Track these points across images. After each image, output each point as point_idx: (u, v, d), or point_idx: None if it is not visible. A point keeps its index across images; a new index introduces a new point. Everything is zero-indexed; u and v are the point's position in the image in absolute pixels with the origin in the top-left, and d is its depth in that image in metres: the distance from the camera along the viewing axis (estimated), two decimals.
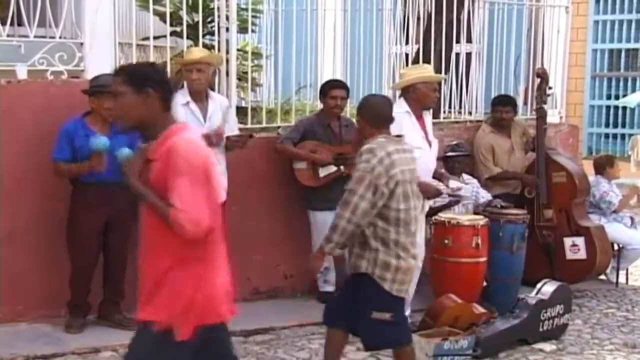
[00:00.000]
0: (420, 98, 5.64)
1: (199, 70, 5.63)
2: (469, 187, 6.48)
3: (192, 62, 5.61)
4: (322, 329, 5.82)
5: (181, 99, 5.63)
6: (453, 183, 5.91)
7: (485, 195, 6.76)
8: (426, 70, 5.90)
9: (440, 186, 5.82)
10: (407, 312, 5.81)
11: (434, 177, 5.82)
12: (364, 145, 4.28)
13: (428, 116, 5.88)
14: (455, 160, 6.73)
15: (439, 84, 6.80)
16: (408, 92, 5.72)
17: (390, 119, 4.46)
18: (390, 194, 4.20)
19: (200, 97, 5.64)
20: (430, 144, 5.72)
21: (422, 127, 5.68)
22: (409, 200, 4.27)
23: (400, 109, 5.63)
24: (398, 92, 6.08)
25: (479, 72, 8.13)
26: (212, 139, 5.46)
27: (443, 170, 6.12)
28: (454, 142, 6.96)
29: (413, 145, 5.54)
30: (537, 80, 7.32)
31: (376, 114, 4.42)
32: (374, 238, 4.23)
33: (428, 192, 5.64)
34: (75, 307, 5.53)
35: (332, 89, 6.30)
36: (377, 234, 4.23)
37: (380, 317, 4.28)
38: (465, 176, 6.74)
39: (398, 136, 4.53)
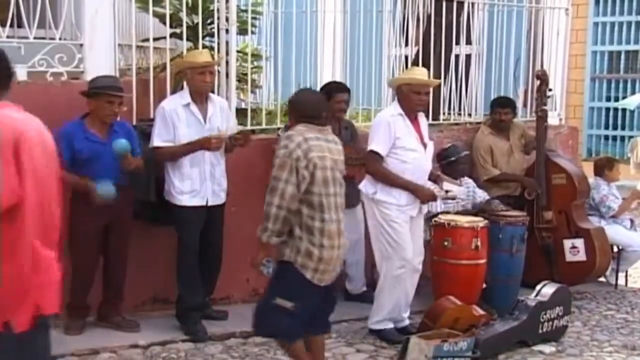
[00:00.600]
0: (405, 100, 5.62)
1: (211, 73, 5.66)
2: (463, 189, 6.47)
3: (207, 64, 5.62)
4: None
5: (181, 100, 5.63)
6: (447, 185, 5.91)
7: (482, 195, 6.78)
8: (414, 73, 5.85)
9: (435, 189, 5.82)
10: (406, 314, 5.83)
11: (429, 179, 5.81)
12: (283, 135, 4.40)
13: (423, 118, 5.85)
14: (463, 162, 6.76)
15: (438, 86, 6.79)
16: (397, 94, 5.73)
17: (318, 116, 4.48)
18: (311, 178, 4.26)
19: (201, 98, 5.64)
20: (425, 146, 5.69)
21: (417, 129, 5.66)
22: (328, 186, 4.32)
23: (394, 112, 5.63)
24: None
25: (479, 74, 8.13)
26: (212, 142, 5.46)
27: (439, 173, 6.12)
28: (449, 145, 6.96)
29: (407, 147, 5.57)
30: (537, 82, 7.33)
31: (303, 112, 4.47)
32: (298, 226, 4.28)
33: (423, 197, 5.63)
34: (74, 308, 5.53)
35: (337, 93, 6.29)
36: (302, 222, 4.28)
37: (282, 304, 4.29)
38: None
39: (323, 127, 4.52)
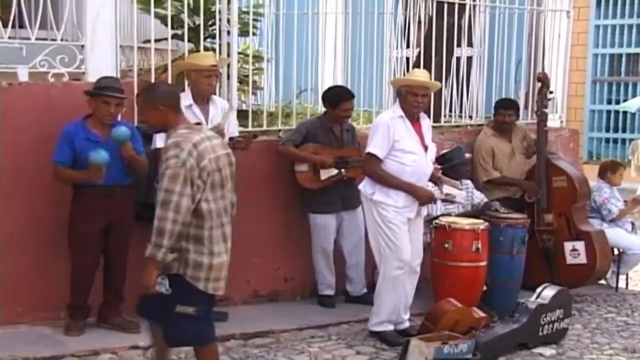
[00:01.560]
0: (404, 101, 5.62)
1: (215, 76, 5.71)
2: (463, 193, 6.47)
3: (214, 68, 5.64)
4: (321, 332, 5.86)
5: (183, 102, 5.60)
6: (447, 188, 5.89)
7: (479, 197, 6.78)
8: (413, 74, 5.84)
9: (435, 191, 5.80)
10: (406, 316, 5.83)
11: (430, 181, 5.80)
12: (169, 140, 4.12)
13: (426, 120, 5.85)
14: (465, 164, 6.77)
15: (439, 89, 6.78)
16: (397, 95, 5.73)
17: (179, 100, 4.33)
18: (204, 186, 4.10)
19: (203, 100, 5.65)
20: (426, 149, 5.67)
21: (418, 132, 5.65)
22: (215, 190, 4.18)
23: (394, 114, 5.63)
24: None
25: (480, 77, 8.13)
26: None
27: (440, 175, 6.11)
28: (454, 147, 6.96)
29: (406, 150, 5.56)
30: (538, 85, 7.33)
31: (175, 98, 4.29)
32: (185, 238, 4.09)
33: (420, 198, 5.63)
34: (75, 309, 5.53)
35: (343, 102, 6.30)
36: (189, 233, 4.10)
37: (183, 310, 4.16)
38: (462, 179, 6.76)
39: (197, 124, 4.42)
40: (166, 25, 6.53)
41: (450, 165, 6.67)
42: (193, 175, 4.04)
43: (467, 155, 6.91)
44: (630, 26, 13.61)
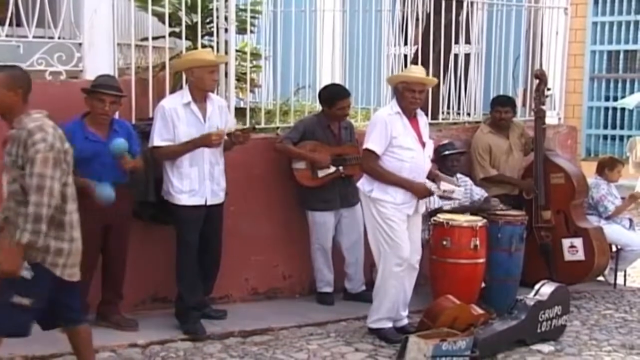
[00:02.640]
0: (400, 98, 5.62)
1: (217, 71, 5.73)
2: (461, 190, 6.47)
3: (216, 63, 5.66)
4: (320, 330, 5.86)
5: (182, 99, 5.62)
6: (445, 185, 5.90)
7: (479, 192, 6.78)
8: (410, 71, 5.83)
9: (432, 187, 5.82)
10: (405, 313, 5.83)
11: (427, 178, 5.81)
12: (28, 124, 4.00)
13: (423, 117, 5.85)
14: (454, 159, 6.76)
15: (437, 86, 6.79)
16: (395, 92, 5.72)
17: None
18: (68, 168, 4.09)
19: (201, 97, 5.64)
20: (423, 145, 5.67)
21: (415, 128, 5.65)
22: (69, 175, 4.18)
23: (391, 110, 5.63)
24: None
25: (478, 74, 8.13)
26: (212, 138, 5.47)
27: (438, 172, 6.11)
28: (446, 142, 6.97)
29: (404, 146, 5.56)
30: (536, 82, 7.33)
31: (30, 86, 4.18)
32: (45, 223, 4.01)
33: (419, 192, 5.63)
34: None
35: (339, 100, 6.30)
36: (52, 218, 4.03)
37: (19, 302, 4.07)
38: (458, 175, 6.75)
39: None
40: (164, 23, 6.52)
41: (438, 157, 6.67)
42: (60, 157, 4.04)
43: (460, 150, 6.90)
44: (628, 23, 13.61)
